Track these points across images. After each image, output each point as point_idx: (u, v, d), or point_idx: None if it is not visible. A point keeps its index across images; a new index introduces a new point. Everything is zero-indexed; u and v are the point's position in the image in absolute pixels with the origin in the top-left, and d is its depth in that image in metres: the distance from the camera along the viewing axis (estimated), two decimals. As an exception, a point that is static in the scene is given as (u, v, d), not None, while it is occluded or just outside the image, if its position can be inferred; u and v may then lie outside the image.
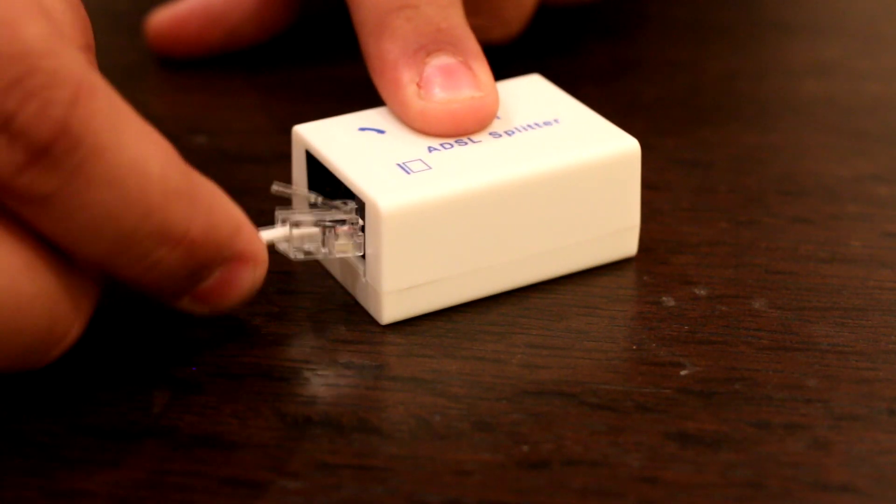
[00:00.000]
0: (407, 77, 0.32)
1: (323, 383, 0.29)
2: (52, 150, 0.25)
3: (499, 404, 0.28)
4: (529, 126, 0.32)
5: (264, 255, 0.29)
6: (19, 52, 0.25)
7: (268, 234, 0.30)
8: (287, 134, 0.32)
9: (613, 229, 0.32)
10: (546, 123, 0.32)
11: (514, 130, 0.32)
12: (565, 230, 0.31)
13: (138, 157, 0.26)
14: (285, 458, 0.27)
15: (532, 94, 0.33)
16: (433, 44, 0.32)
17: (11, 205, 0.25)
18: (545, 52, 0.43)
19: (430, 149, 0.31)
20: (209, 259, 0.27)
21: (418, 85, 0.32)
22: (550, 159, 0.31)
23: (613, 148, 0.31)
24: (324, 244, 0.30)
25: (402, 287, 0.30)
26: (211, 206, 0.27)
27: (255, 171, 0.36)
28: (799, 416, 0.28)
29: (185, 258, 0.27)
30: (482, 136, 0.31)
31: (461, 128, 0.31)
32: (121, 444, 0.27)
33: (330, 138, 0.31)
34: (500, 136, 0.31)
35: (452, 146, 0.31)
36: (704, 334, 0.30)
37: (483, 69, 0.32)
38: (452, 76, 0.32)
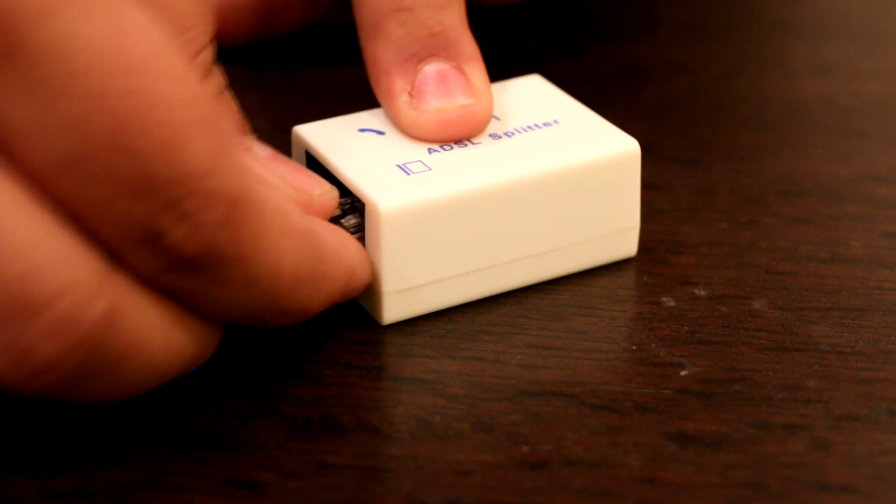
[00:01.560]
0: (399, 85, 0.32)
1: (323, 383, 0.29)
2: (196, 263, 0.25)
3: (499, 405, 0.28)
4: (529, 127, 0.32)
5: (369, 273, 0.30)
6: (180, 176, 0.24)
7: None
8: (287, 134, 0.32)
9: (613, 230, 0.32)
10: (546, 124, 0.32)
11: (514, 131, 0.32)
12: (565, 231, 0.31)
13: (274, 260, 0.26)
14: (285, 458, 0.27)
15: (532, 94, 0.33)
16: (425, 49, 0.32)
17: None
18: (545, 52, 0.43)
19: (429, 150, 0.31)
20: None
21: (410, 94, 0.32)
22: (550, 160, 0.31)
23: (613, 148, 0.31)
24: None
25: (401, 288, 0.30)
26: (332, 278, 0.28)
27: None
28: (799, 416, 0.28)
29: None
30: (482, 137, 0.31)
31: (454, 136, 0.31)
32: (121, 444, 0.27)
33: (330, 139, 0.31)
34: (500, 136, 0.31)
35: (452, 147, 0.31)
36: (704, 335, 0.30)
37: (477, 73, 0.32)
38: (444, 83, 0.32)
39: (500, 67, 0.34)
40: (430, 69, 0.32)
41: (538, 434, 0.28)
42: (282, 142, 0.33)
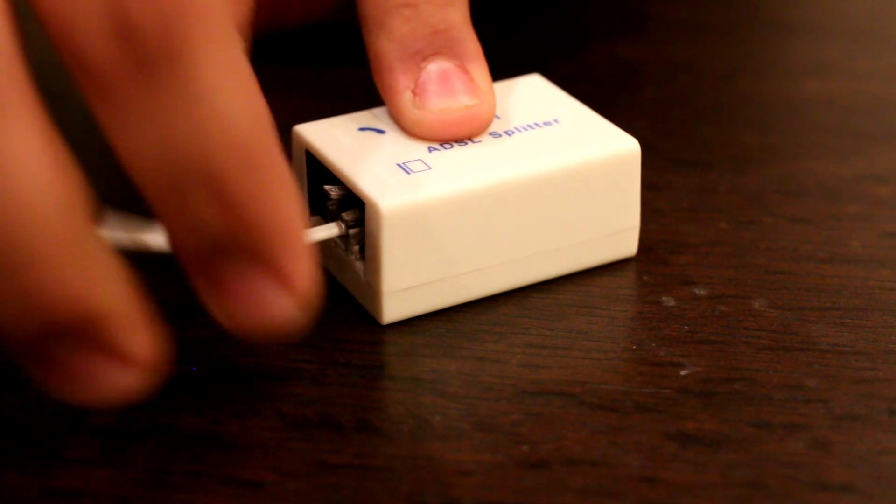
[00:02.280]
0: (402, 83, 0.32)
1: (323, 383, 0.29)
2: (148, 43, 0.23)
3: (499, 404, 0.28)
4: (529, 126, 0.32)
5: (305, 288, 0.25)
6: None
7: (321, 233, 0.30)
8: (287, 134, 0.32)
9: (613, 230, 0.32)
10: (546, 123, 0.32)
11: (514, 130, 0.32)
12: (565, 230, 0.31)
13: (227, 104, 0.24)
14: (285, 458, 0.27)
15: (532, 94, 0.33)
16: (430, 47, 0.32)
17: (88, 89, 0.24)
18: (545, 52, 0.43)
19: (430, 149, 0.31)
20: (245, 242, 0.24)
21: (414, 92, 0.32)
22: (550, 159, 0.31)
23: (613, 148, 0.31)
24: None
25: (402, 287, 0.30)
26: (277, 190, 0.24)
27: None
28: (799, 416, 0.28)
29: (222, 220, 0.24)
30: (482, 136, 0.31)
31: (456, 136, 0.31)
32: (121, 444, 0.27)
33: (330, 138, 0.31)
34: (500, 136, 0.31)
35: (452, 146, 0.31)
36: (704, 334, 0.30)
37: (481, 72, 0.32)
38: (448, 82, 0.32)
39: (501, 67, 0.34)
40: (434, 67, 0.32)
41: (538, 433, 0.28)
42: (282, 142, 0.33)
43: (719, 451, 0.27)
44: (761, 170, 0.37)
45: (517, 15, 0.45)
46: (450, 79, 0.32)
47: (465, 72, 0.32)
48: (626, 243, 0.32)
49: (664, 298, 0.31)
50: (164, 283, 0.31)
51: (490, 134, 0.31)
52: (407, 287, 0.30)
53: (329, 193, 0.31)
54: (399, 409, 0.28)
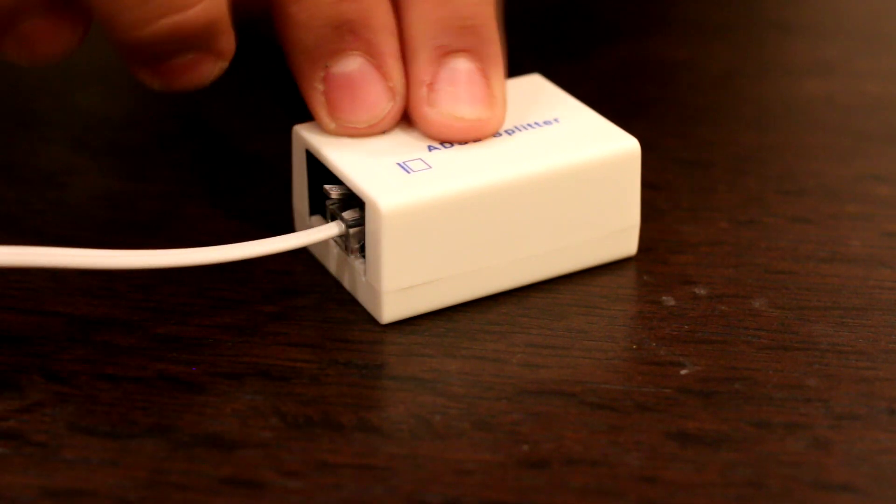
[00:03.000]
0: (420, 74, 0.31)
1: (323, 382, 0.29)
2: None
3: (499, 404, 0.28)
4: (529, 125, 0.32)
5: (232, 51, 0.30)
6: None
7: (321, 233, 0.30)
8: (287, 134, 0.32)
9: (613, 229, 0.32)
10: (546, 123, 0.32)
11: (515, 130, 0.32)
12: (565, 230, 0.31)
13: None
14: (285, 458, 0.27)
15: (532, 93, 0.33)
16: (456, 42, 0.31)
17: None
18: (545, 52, 0.43)
19: (430, 148, 0.31)
20: (194, 40, 0.29)
21: (429, 86, 0.31)
22: (551, 159, 0.31)
23: (613, 148, 0.31)
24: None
25: (401, 286, 0.30)
26: None
27: (255, 171, 0.36)
28: (799, 415, 0.28)
29: (176, 29, 0.29)
30: None
31: (458, 141, 0.31)
32: (121, 444, 0.27)
33: (330, 138, 0.31)
34: (501, 135, 0.31)
35: (453, 146, 0.31)
36: (704, 334, 0.30)
37: (500, 81, 0.31)
38: (465, 87, 0.31)
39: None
40: (455, 66, 0.31)
41: (538, 433, 0.28)
42: (282, 142, 0.33)
43: (719, 450, 0.27)
44: (761, 170, 0.37)
45: (517, 14, 0.45)
46: (471, 84, 0.31)
47: (486, 77, 0.31)
48: (626, 243, 0.32)
49: (664, 298, 0.31)
50: (164, 284, 0.32)
51: None
52: (407, 286, 0.30)
53: (329, 193, 0.31)
54: (399, 408, 0.28)
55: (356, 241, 0.30)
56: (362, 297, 0.31)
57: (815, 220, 0.34)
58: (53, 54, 0.31)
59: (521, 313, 0.31)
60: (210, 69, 0.30)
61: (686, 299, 0.31)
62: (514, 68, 0.36)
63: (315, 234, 0.31)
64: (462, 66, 0.31)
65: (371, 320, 0.31)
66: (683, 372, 0.29)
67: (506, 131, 0.32)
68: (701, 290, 0.32)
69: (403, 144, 0.31)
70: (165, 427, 0.28)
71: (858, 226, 0.34)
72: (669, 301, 0.31)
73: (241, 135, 0.38)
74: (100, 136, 0.38)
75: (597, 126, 0.32)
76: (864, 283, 0.32)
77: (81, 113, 0.39)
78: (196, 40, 0.29)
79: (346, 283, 0.31)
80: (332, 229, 0.31)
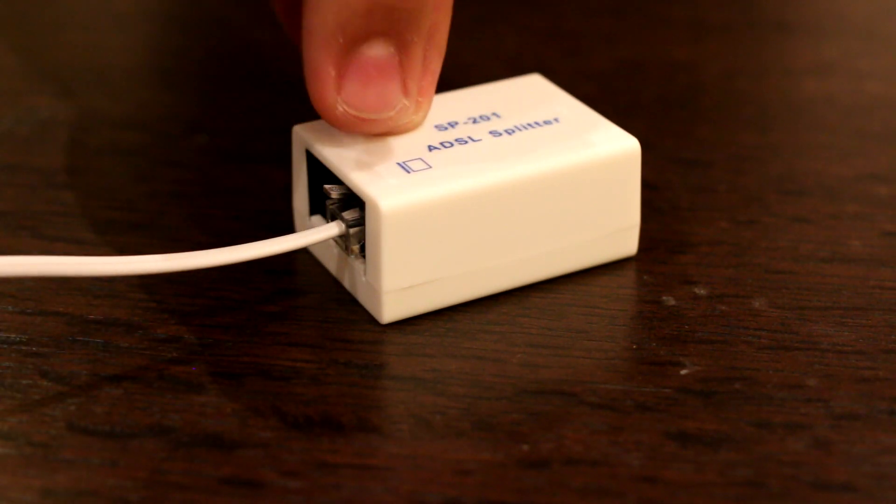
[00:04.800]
0: (328, 63, 0.29)
1: (323, 382, 0.29)
2: None
3: (499, 403, 0.28)
4: (529, 125, 0.32)
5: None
6: None
7: (321, 233, 0.30)
8: (287, 134, 0.32)
9: (613, 229, 0.32)
10: (546, 122, 0.32)
11: (515, 129, 0.32)
12: (565, 229, 0.31)
13: None
14: (285, 458, 0.27)
15: (532, 93, 0.33)
16: (373, 24, 0.29)
17: None
18: (545, 52, 0.43)
19: (430, 147, 0.31)
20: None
21: (338, 76, 0.29)
22: (551, 158, 0.31)
23: (614, 147, 0.31)
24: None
25: (402, 286, 0.30)
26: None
27: (255, 171, 0.36)
28: (799, 415, 0.28)
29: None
30: (482, 135, 0.31)
31: (369, 134, 0.30)
32: (121, 444, 0.27)
33: (330, 138, 0.31)
34: (501, 134, 0.31)
35: (452, 145, 0.31)
36: (704, 334, 0.30)
37: (420, 68, 0.30)
38: (375, 80, 0.29)
39: (501, 67, 0.34)
40: (370, 53, 0.29)
41: (538, 433, 0.28)
42: (282, 141, 0.33)
43: (719, 450, 0.27)
44: (761, 169, 0.37)
45: (517, 14, 0.45)
46: (379, 75, 0.29)
47: (401, 67, 0.30)
48: (626, 242, 0.32)
49: (664, 298, 0.31)
50: (164, 284, 0.32)
51: (490, 132, 0.31)
52: (407, 286, 0.30)
53: (329, 193, 0.31)
54: (399, 408, 0.28)
55: (356, 241, 0.30)
56: (362, 297, 0.31)
57: (815, 220, 0.34)
58: None
59: (521, 313, 0.31)
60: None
61: (686, 299, 0.31)
62: (515, 68, 0.36)
63: (315, 234, 0.31)
64: (376, 52, 0.29)
65: (371, 320, 0.31)
66: (683, 372, 0.29)
67: (506, 130, 0.32)
68: (701, 290, 0.32)
69: (403, 144, 0.31)
70: (165, 427, 0.28)
71: (858, 226, 0.34)
72: (669, 301, 0.31)
73: (241, 135, 0.38)
74: (100, 136, 0.38)
75: (597, 126, 0.32)
76: (864, 283, 0.32)
77: (81, 113, 0.39)
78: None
79: (346, 283, 0.31)
80: (332, 229, 0.31)
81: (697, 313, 0.31)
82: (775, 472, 0.27)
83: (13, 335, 0.30)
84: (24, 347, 0.30)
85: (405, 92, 0.30)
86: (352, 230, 0.30)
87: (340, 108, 0.30)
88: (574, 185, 0.31)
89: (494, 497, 0.26)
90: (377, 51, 0.29)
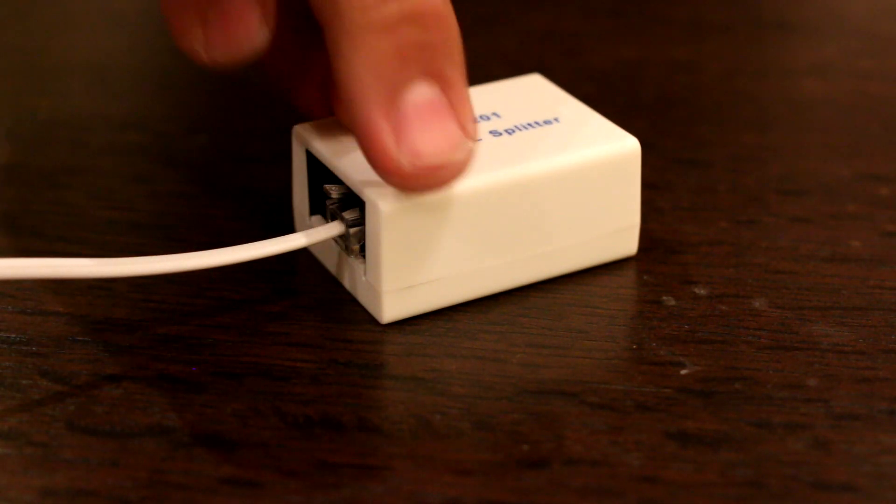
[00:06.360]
0: (379, 119, 0.28)
1: (323, 382, 0.29)
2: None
3: (499, 403, 0.28)
4: (529, 125, 0.32)
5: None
6: None
7: (321, 233, 0.30)
8: (287, 134, 0.32)
9: (614, 228, 0.32)
10: (546, 122, 0.32)
11: (515, 129, 0.32)
12: (566, 229, 0.31)
13: None
14: (285, 458, 0.27)
15: (532, 93, 0.33)
16: (410, 66, 0.27)
17: None
18: (545, 52, 0.43)
19: None
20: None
21: (394, 130, 0.28)
22: (551, 158, 0.31)
23: (614, 147, 0.31)
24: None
25: (402, 286, 0.30)
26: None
27: (255, 171, 0.36)
28: (799, 415, 0.28)
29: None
30: (482, 135, 0.31)
31: (444, 185, 0.29)
32: (121, 444, 0.27)
33: (330, 138, 0.31)
34: (501, 134, 0.31)
35: None
36: (705, 333, 0.30)
37: (469, 103, 0.28)
38: (433, 122, 0.28)
39: (501, 67, 0.34)
40: (418, 98, 0.28)
41: (538, 433, 0.27)
42: (282, 141, 0.33)
43: (719, 450, 0.27)
44: (761, 169, 0.37)
45: (517, 14, 0.45)
46: (435, 113, 0.28)
47: (453, 104, 0.28)
48: (626, 242, 0.32)
49: (664, 298, 0.31)
50: (164, 284, 0.32)
51: (490, 132, 0.31)
52: (407, 286, 0.30)
53: (329, 193, 0.31)
54: (399, 408, 0.28)
55: (356, 241, 0.30)
56: (362, 297, 0.31)
57: (815, 220, 0.34)
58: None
59: (521, 313, 0.31)
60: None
61: (686, 299, 0.31)
62: (515, 68, 0.36)
63: (315, 234, 0.31)
64: (424, 94, 0.28)
65: (371, 320, 0.31)
66: (683, 372, 0.29)
67: (506, 130, 0.32)
68: (701, 290, 0.32)
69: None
70: (165, 427, 0.28)
71: (858, 225, 0.34)
72: (669, 301, 0.31)
73: (241, 135, 0.38)
74: (100, 136, 0.38)
75: (597, 126, 0.32)
76: (864, 283, 0.32)
77: (81, 113, 0.39)
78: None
79: (346, 283, 0.31)
80: (332, 229, 0.31)
81: (697, 313, 0.31)
82: (775, 472, 0.27)
83: (13, 335, 0.30)
84: (24, 347, 0.30)
85: (464, 131, 0.28)
86: (352, 230, 0.30)
87: (406, 162, 0.28)
88: (574, 184, 0.31)
89: (494, 497, 0.26)
90: (423, 93, 0.28)
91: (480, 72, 0.32)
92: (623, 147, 0.32)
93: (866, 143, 0.38)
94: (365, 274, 0.30)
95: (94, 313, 0.31)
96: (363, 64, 0.27)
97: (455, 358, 0.30)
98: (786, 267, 0.33)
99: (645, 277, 0.32)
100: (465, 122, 0.28)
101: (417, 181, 0.28)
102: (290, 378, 0.29)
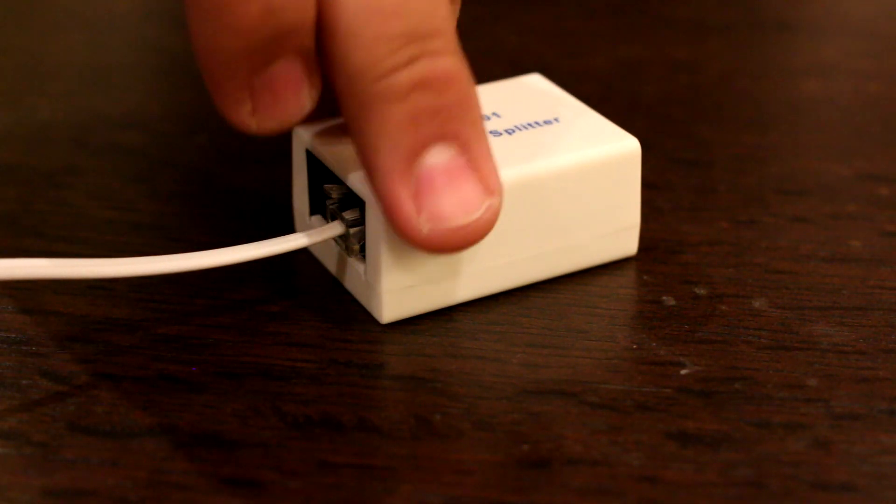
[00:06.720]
0: (399, 187, 0.28)
1: (323, 382, 0.29)
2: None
3: (499, 403, 0.28)
4: (529, 125, 0.32)
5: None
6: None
7: (322, 233, 0.30)
8: (287, 134, 0.32)
9: (614, 228, 0.32)
10: (546, 122, 0.32)
11: (515, 129, 0.32)
12: (566, 229, 0.31)
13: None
14: (285, 458, 0.27)
15: (532, 93, 0.33)
16: (424, 131, 0.27)
17: None
18: (545, 52, 0.43)
19: None
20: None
21: (414, 198, 0.28)
22: (551, 159, 0.31)
23: (614, 147, 0.31)
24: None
25: (402, 286, 0.30)
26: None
27: (255, 171, 0.36)
28: (799, 415, 0.28)
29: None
30: None
31: (466, 247, 0.29)
32: (121, 444, 0.27)
33: (331, 138, 0.31)
34: (501, 134, 0.31)
35: None
36: (705, 333, 0.30)
37: (490, 158, 0.28)
38: (448, 187, 0.28)
39: (501, 67, 0.34)
40: (433, 163, 0.28)
41: (539, 433, 0.27)
42: (282, 142, 0.33)
43: (719, 450, 0.27)
44: (761, 169, 0.37)
45: (517, 14, 0.45)
46: (450, 178, 0.28)
47: (471, 163, 0.28)
48: (626, 242, 0.32)
49: (664, 298, 0.31)
50: (164, 284, 0.32)
51: (490, 132, 0.31)
52: (407, 286, 0.30)
53: (329, 193, 0.31)
54: (399, 408, 0.28)
55: (356, 241, 0.30)
56: (362, 297, 0.31)
57: (815, 220, 0.34)
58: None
59: (521, 313, 0.31)
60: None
61: (686, 299, 0.31)
62: (515, 68, 0.36)
63: (315, 234, 0.31)
64: (442, 157, 0.28)
65: (371, 320, 0.31)
66: (683, 372, 0.29)
67: (506, 130, 0.32)
68: (701, 290, 0.32)
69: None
70: (165, 427, 0.28)
71: (859, 225, 0.34)
72: (670, 301, 0.31)
73: (241, 135, 0.38)
74: (100, 136, 0.38)
75: (597, 126, 0.32)
76: (864, 283, 0.32)
77: (81, 113, 0.39)
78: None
79: (347, 283, 0.31)
80: (332, 229, 0.31)
81: (697, 313, 0.31)
82: (775, 472, 0.27)
83: (13, 335, 0.30)
84: (24, 347, 0.30)
85: (486, 189, 0.28)
86: (352, 230, 0.30)
87: (425, 228, 0.28)
88: (574, 185, 0.31)
89: (494, 497, 0.26)
90: (441, 156, 0.28)
91: (480, 72, 0.32)
92: (623, 147, 0.32)
93: (866, 143, 0.38)
94: (365, 274, 0.30)
95: (94, 313, 0.31)
96: (377, 133, 0.27)
97: (455, 358, 0.30)
98: (786, 267, 0.33)
99: (645, 277, 0.32)
100: (488, 179, 0.28)
101: (441, 244, 0.28)
102: (290, 378, 0.29)
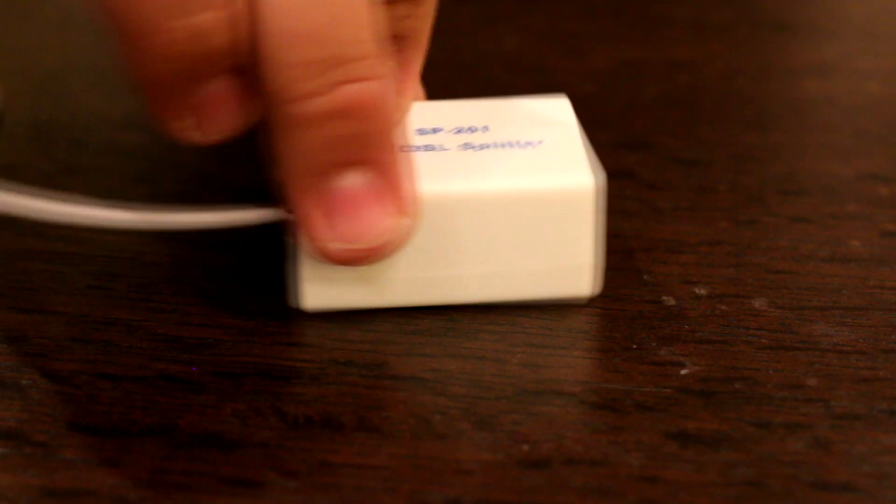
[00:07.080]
0: (312, 206, 0.28)
1: (323, 382, 0.29)
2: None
3: (499, 403, 0.28)
4: (507, 144, 0.31)
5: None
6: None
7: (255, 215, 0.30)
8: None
9: (561, 264, 0.31)
10: (527, 144, 0.31)
11: (488, 146, 0.31)
12: (502, 255, 0.30)
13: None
14: (285, 458, 0.27)
15: (538, 113, 0.32)
16: (338, 156, 0.28)
17: None
18: (545, 52, 0.43)
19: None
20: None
21: (325, 216, 0.28)
22: (493, 180, 0.30)
23: (564, 181, 0.30)
24: None
25: (322, 276, 0.30)
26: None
27: (256, 171, 0.36)
28: (799, 415, 0.28)
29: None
30: (452, 146, 0.31)
31: (374, 263, 0.29)
32: (121, 444, 0.27)
33: None
34: (472, 148, 0.31)
35: (418, 150, 0.30)
36: (705, 333, 0.30)
37: (403, 183, 0.28)
38: (358, 210, 0.28)
39: (501, 67, 0.34)
40: (345, 185, 0.28)
41: (538, 433, 0.28)
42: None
43: (720, 450, 0.27)
44: (761, 169, 0.37)
45: (517, 15, 0.45)
46: (361, 201, 0.28)
47: (384, 187, 0.28)
48: (577, 281, 0.31)
49: (664, 297, 0.31)
50: (164, 284, 0.32)
51: (462, 145, 0.31)
52: (328, 277, 0.30)
53: None
54: (399, 408, 0.28)
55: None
56: (293, 283, 0.30)
57: (815, 220, 0.34)
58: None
59: (521, 313, 0.31)
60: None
61: (686, 299, 0.31)
62: (515, 68, 0.36)
63: (249, 216, 0.30)
64: (352, 181, 0.28)
65: (371, 320, 0.31)
66: (683, 372, 0.29)
67: (480, 145, 0.31)
68: (701, 290, 0.32)
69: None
70: (165, 427, 0.28)
71: (858, 225, 0.34)
72: (670, 301, 0.31)
73: (241, 135, 0.38)
74: (100, 136, 0.38)
75: (569, 157, 0.31)
76: (864, 283, 0.32)
77: (81, 113, 0.39)
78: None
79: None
80: (271, 213, 0.30)
81: (697, 313, 0.31)
82: (775, 472, 0.27)
83: (13, 335, 0.30)
84: (24, 347, 0.30)
85: (399, 211, 0.29)
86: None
87: (334, 246, 0.28)
88: (511, 211, 0.30)
89: (494, 497, 0.26)
90: (351, 180, 0.28)
91: (480, 72, 0.32)
92: (575, 183, 0.30)
93: (866, 143, 0.38)
94: (296, 260, 0.30)
95: (94, 313, 0.31)
96: (293, 153, 0.28)
97: (455, 358, 0.30)
98: (786, 267, 0.33)
99: (645, 277, 0.32)
100: (402, 201, 0.28)
101: (349, 261, 0.29)
102: (290, 378, 0.29)
